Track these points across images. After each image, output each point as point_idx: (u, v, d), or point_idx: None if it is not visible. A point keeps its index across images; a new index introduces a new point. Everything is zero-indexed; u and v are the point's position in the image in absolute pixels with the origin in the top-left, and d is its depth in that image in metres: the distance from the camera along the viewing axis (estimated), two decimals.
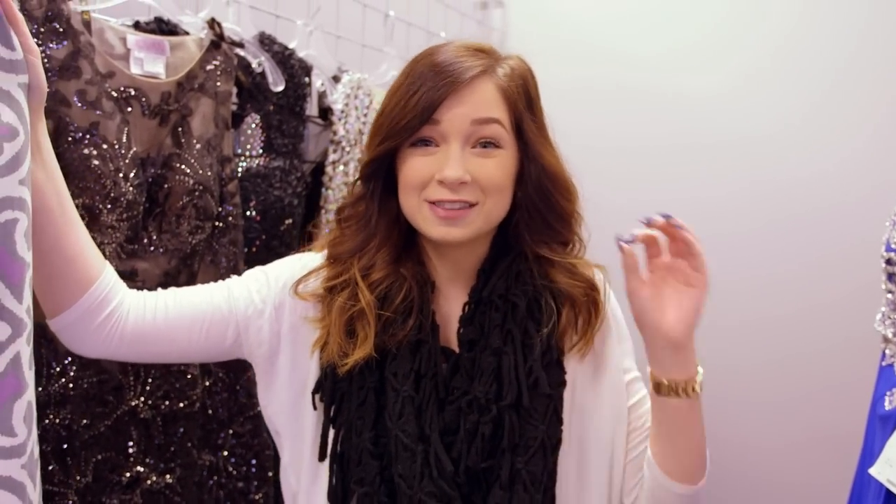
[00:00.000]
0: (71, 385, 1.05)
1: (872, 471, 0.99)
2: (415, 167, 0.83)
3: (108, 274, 0.82)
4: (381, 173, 0.87)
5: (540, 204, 0.86)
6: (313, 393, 0.87)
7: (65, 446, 1.04)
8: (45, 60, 1.02)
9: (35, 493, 0.68)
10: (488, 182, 0.83)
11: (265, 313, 0.87)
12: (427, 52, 0.86)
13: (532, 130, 0.86)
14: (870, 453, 1.09)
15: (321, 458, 0.87)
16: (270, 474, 1.29)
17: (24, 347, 0.66)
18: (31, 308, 0.68)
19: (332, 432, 0.86)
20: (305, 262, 0.91)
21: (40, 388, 1.02)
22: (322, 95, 1.52)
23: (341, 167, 1.51)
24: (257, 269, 0.92)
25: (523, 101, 0.86)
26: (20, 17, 0.68)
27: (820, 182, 1.89)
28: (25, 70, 0.67)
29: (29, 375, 0.67)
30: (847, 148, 1.87)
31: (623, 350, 0.94)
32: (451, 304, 0.91)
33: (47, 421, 1.02)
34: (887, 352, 1.11)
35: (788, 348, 1.92)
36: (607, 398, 0.90)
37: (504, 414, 0.83)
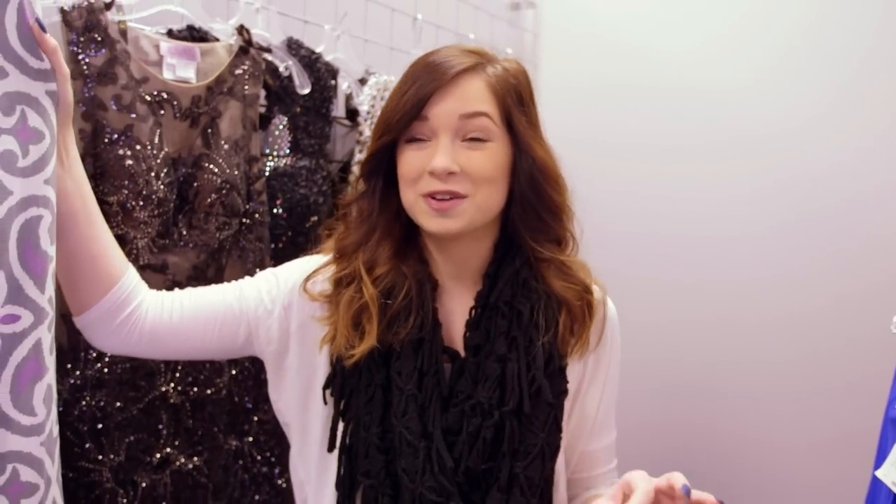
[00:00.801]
0: (106, 370, 1.13)
1: (879, 473, 0.98)
2: (408, 161, 0.87)
3: (129, 276, 0.87)
4: (381, 169, 0.91)
5: (531, 196, 0.89)
6: (324, 388, 0.91)
7: (100, 427, 1.12)
8: (85, 67, 1.10)
9: (53, 469, 0.74)
10: (477, 173, 0.85)
11: (274, 313, 0.91)
12: (425, 54, 0.90)
13: (522, 124, 0.88)
14: (883, 455, 1.08)
15: (330, 449, 0.91)
16: None
17: (46, 334, 0.72)
18: (52, 298, 0.75)
19: (341, 425, 0.90)
20: (314, 264, 0.95)
21: (77, 373, 1.10)
22: (349, 97, 1.57)
23: None
24: (268, 271, 0.97)
25: (513, 96, 0.88)
26: (51, 42, 0.73)
27: (837, 178, 1.87)
28: (54, 78, 0.74)
29: (49, 360, 0.73)
30: (865, 143, 1.84)
31: (610, 374, 1.00)
32: (455, 302, 0.93)
33: (84, 403, 1.10)
34: None
35: (806, 346, 1.90)
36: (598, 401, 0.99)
37: (506, 419, 0.85)
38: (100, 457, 1.12)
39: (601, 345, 0.97)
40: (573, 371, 0.94)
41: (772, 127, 1.95)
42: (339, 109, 1.54)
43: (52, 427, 0.75)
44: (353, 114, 1.58)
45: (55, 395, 0.76)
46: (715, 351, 2.00)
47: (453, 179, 0.85)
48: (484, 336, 0.90)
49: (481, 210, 0.87)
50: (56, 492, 0.76)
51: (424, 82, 0.86)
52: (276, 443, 1.33)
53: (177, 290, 0.93)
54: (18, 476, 0.71)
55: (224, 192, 1.21)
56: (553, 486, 0.92)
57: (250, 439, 1.31)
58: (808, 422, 1.90)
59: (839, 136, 1.87)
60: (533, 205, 0.90)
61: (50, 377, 0.73)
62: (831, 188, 1.87)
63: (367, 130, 1.56)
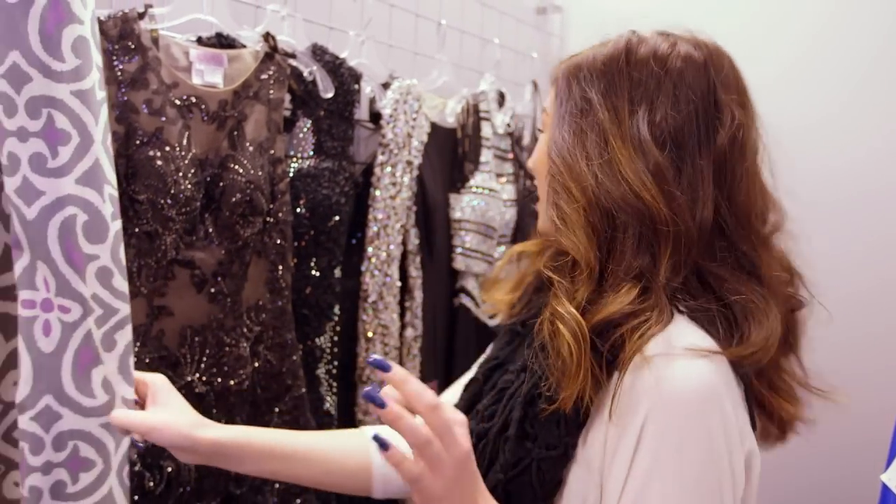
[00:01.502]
0: (134, 360, 1.19)
1: (884, 477, 0.98)
2: None
3: (372, 454, 0.87)
4: None
5: (547, 194, 0.82)
6: None
7: None
8: (119, 74, 1.16)
9: (115, 456, 0.80)
10: (531, 166, 0.87)
11: None
12: None
13: (560, 109, 0.81)
14: (891, 459, 1.07)
15: None
16: None
17: (94, 327, 0.78)
18: (97, 295, 0.80)
19: None
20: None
21: None
22: (372, 101, 1.61)
23: (389, 168, 1.61)
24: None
25: (567, 81, 0.82)
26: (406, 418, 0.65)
27: (850, 176, 1.86)
28: (80, 78, 0.78)
29: (105, 356, 0.79)
30: (879, 140, 1.83)
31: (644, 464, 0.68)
32: None
33: None
34: None
35: (818, 344, 1.88)
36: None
37: (482, 436, 0.80)
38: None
39: (620, 416, 0.69)
40: (594, 433, 0.73)
41: (786, 126, 1.94)
42: (362, 113, 1.59)
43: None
44: (376, 117, 1.63)
45: (118, 395, 0.83)
46: None
47: (535, 177, 0.88)
48: (506, 354, 0.90)
49: (542, 209, 0.83)
50: (115, 483, 0.82)
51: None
52: None
53: None
54: (78, 452, 0.78)
55: (248, 191, 1.27)
56: None
57: None
58: (819, 421, 1.88)
59: (857, 130, 1.87)
60: (549, 204, 0.79)
61: (107, 369, 0.79)
62: (844, 186, 1.87)
63: (389, 133, 1.61)
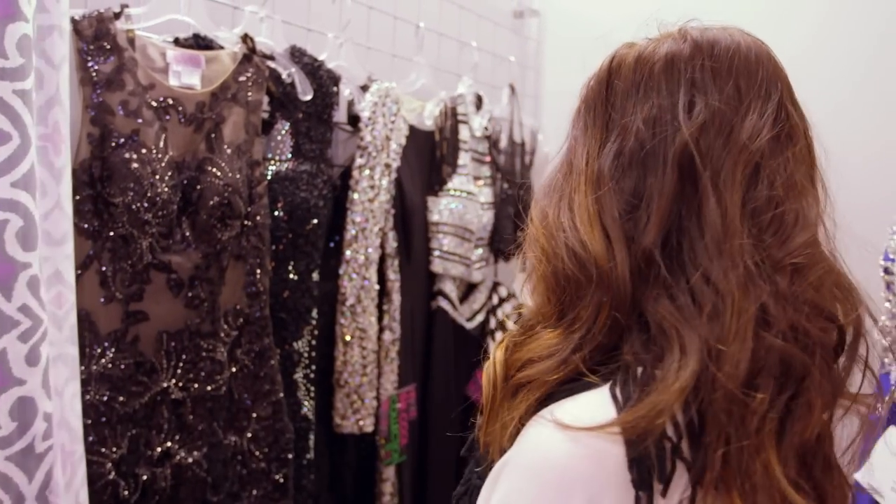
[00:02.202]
0: (110, 365, 1.17)
1: (858, 476, 1.01)
2: None
3: None
4: None
5: None
6: None
7: (103, 420, 1.16)
8: (94, 74, 1.14)
9: (30, 487, 0.72)
10: None
11: None
12: None
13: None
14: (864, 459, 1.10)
15: None
16: (290, 456, 1.39)
17: (15, 344, 0.73)
18: (28, 307, 0.76)
19: None
20: None
21: (82, 368, 1.14)
22: (351, 104, 1.61)
23: (367, 171, 1.60)
24: None
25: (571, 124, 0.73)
26: None
27: (844, 183, 1.89)
28: (24, 76, 0.75)
29: (22, 370, 0.74)
30: (872, 149, 1.87)
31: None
32: None
33: (88, 397, 1.14)
34: (885, 360, 1.12)
35: None
36: None
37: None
38: (102, 449, 1.16)
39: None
40: None
41: None
42: (340, 115, 1.58)
43: (34, 443, 0.75)
44: (354, 120, 1.62)
45: (41, 411, 0.77)
46: None
47: None
48: None
49: None
50: None
51: None
52: (274, 439, 1.37)
53: None
54: None
55: (226, 195, 1.25)
56: None
57: (249, 435, 1.35)
58: None
59: (845, 143, 1.90)
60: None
61: (27, 390, 0.74)
62: (840, 189, 1.90)
63: (367, 136, 1.60)
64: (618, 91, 0.68)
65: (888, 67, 1.86)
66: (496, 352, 0.67)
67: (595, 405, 0.58)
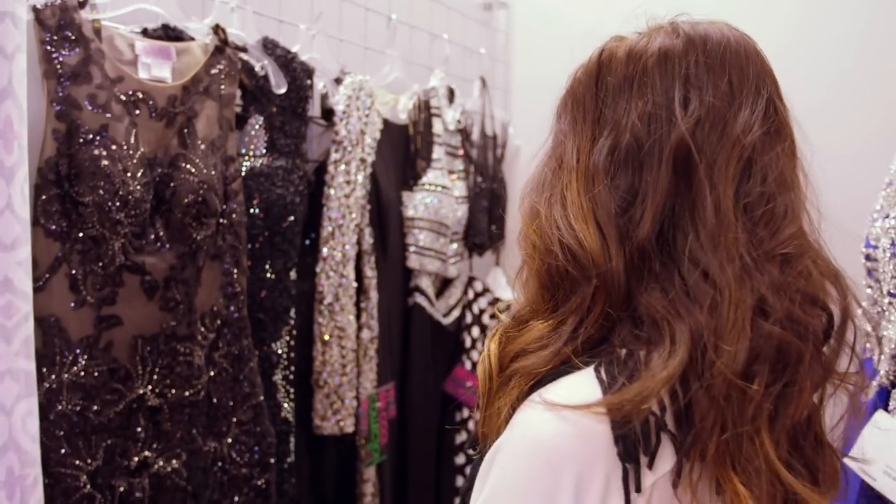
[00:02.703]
0: (82, 373, 1.11)
1: (847, 459, 1.02)
2: None
3: None
4: None
5: None
6: None
7: (77, 431, 1.10)
8: (59, 67, 1.08)
9: None
10: None
11: None
12: None
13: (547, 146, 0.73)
14: (850, 443, 1.12)
15: None
16: (272, 461, 1.35)
17: None
18: None
19: None
20: None
21: (53, 377, 1.08)
22: (324, 97, 1.57)
23: (343, 166, 1.56)
24: None
25: (555, 115, 0.73)
26: None
27: (824, 182, 1.92)
28: None
29: None
30: (855, 147, 1.90)
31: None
32: None
33: (60, 407, 1.08)
34: (867, 345, 1.14)
35: None
36: None
37: None
38: (77, 461, 1.10)
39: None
40: None
41: None
42: (314, 109, 1.54)
43: None
44: (328, 113, 1.58)
45: None
46: None
47: None
48: None
49: None
50: None
51: None
52: (256, 443, 1.33)
53: None
54: None
55: (202, 192, 1.20)
56: None
57: (229, 440, 1.31)
58: None
59: (825, 141, 1.93)
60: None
61: None
62: (822, 180, 1.93)
63: (342, 130, 1.56)
64: (609, 86, 0.67)
65: (869, 59, 1.90)
66: (490, 344, 0.68)
67: (581, 386, 0.60)
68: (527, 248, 0.68)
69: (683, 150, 0.62)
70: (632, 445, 0.57)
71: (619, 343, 0.62)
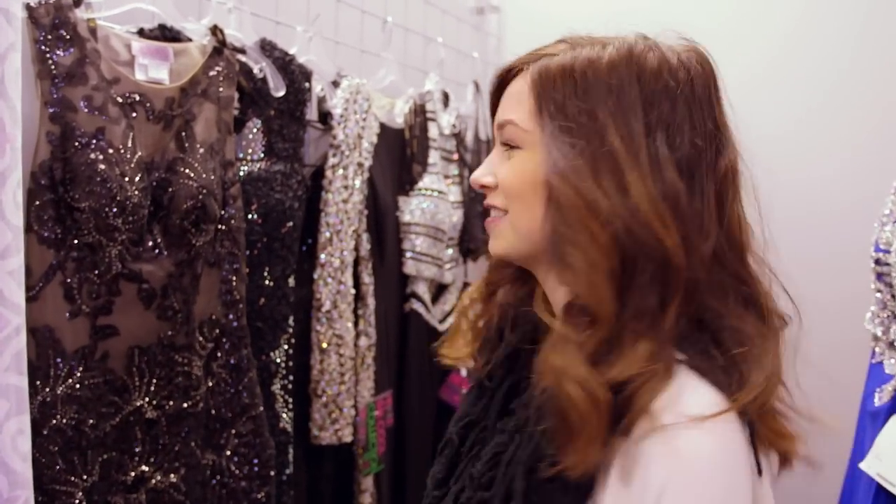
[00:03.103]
0: (77, 385, 1.07)
1: (863, 465, 1.02)
2: None
3: None
4: None
5: (550, 226, 0.69)
6: None
7: (72, 446, 1.06)
8: (53, 67, 1.04)
9: None
10: (504, 185, 0.71)
11: None
12: None
13: (552, 125, 0.67)
14: (860, 448, 1.11)
15: None
16: (272, 473, 1.31)
17: None
18: None
19: None
20: None
21: (47, 389, 1.04)
22: (322, 100, 1.54)
23: (340, 171, 1.53)
24: None
25: (555, 92, 0.68)
26: None
27: (819, 187, 1.93)
28: None
29: None
30: (844, 152, 1.91)
31: None
32: None
33: (54, 421, 1.04)
34: (877, 349, 1.14)
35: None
36: None
37: None
38: (72, 478, 1.06)
39: (631, 482, 0.61)
40: (600, 498, 0.64)
41: (749, 138, 2.00)
42: (312, 112, 1.51)
43: None
44: (325, 117, 1.55)
45: None
46: None
47: (493, 194, 0.74)
48: (477, 411, 0.78)
49: (518, 232, 0.71)
50: None
51: (491, 86, 0.76)
52: (255, 456, 1.29)
53: None
54: None
55: (201, 197, 1.17)
56: None
57: (228, 453, 1.27)
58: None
59: (819, 144, 1.93)
60: (551, 238, 0.67)
61: None
62: (810, 194, 1.93)
63: (340, 134, 1.53)
64: (657, 87, 0.67)
65: (867, 61, 1.90)
66: (574, 364, 0.63)
67: (701, 393, 0.62)
68: (588, 243, 0.64)
69: (730, 174, 0.70)
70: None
71: (708, 339, 0.65)
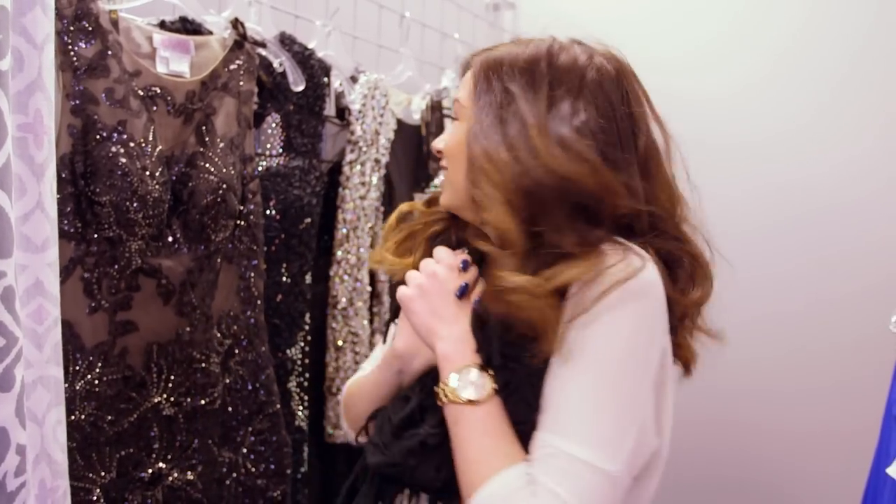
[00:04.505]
0: (96, 382, 1.06)
1: (890, 470, 1.00)
2: None
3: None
4: None
5: (465, 176, 0.88)
6: None
7: (90, 442, 1.05)
8: (75, 59, 1.03)
9: None
10: (444, 149, 0.91)
11: None
12: None
13: (479, 100, 0.85)
14: (885, 453, 1.10)
15: None
16: (289, 472, 1.30)
17: None
18: (1, 323, 0.67)
19: None
20: None
21: (66, 385, 1.03)
22: (340, 95, 1.52)
23: (358, 167, 1.52)
24: None
25: (486, 75, 0.86)
26: None
27: (826, 182, 1.92)
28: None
29: None
30: (853, 148, 1.90)
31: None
32: None
33: (73, 417, 1.03)
34: None
35: (798, 344, 1.94)
36: None
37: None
38: (90, 474, 1.05)
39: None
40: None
41: (758, 133, 1.99)
42: (329, 108, 1.50)
43: (5, 480, 0.66)
44: (343, 112, 1.54)
45: (13, 443, 0.69)
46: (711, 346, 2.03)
47: (443, 158, 0.92)
48: None
49: (454, 188, 0.89)
50: None
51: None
52: (272, 454, 1.28)
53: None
54: None
55: (221, 192, 1.15)
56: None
57: (245, 451, 1.26)
58: (801, 419, 1.94)
59: (829, 140, 1.92)
60: (470, 187, 0.84)
61: None
62: (821, 191, 1.92)
63: (358, 130, 1.52)
64: (563, 77, 0.84)
65: (872, 63, 1.89)
66: (517, 279, 0.78)
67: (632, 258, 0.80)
68: (490, 187, 0.80)
69: (650, 151, 0.88)
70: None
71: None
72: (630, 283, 0.76)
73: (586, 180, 0.79)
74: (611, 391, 0.75)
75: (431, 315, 0.85)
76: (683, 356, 0.89)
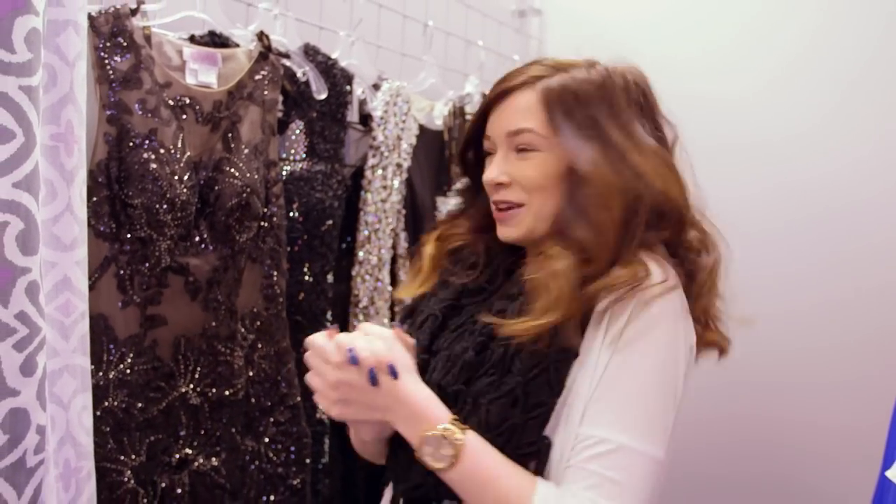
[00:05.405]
0: (128, 371, 1.14)
1: (889, 473, 1.01)
2: (484, 173, 0.95)
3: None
4: (472, 175, 1.03)
5: (571, 204, 0.89)
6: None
7: (122, 427, 1.13)
8: (111, 72, 1.11)
9: (19, 502, 0.69)
10: (526, 182, 0.89)
11: None
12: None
13: (570, 130, 0.87)
14: (891, 456, 1.10)
15: None
16: (308, 461, 1.36)
17: (10, 353, 0.68)
18: (25, 314, 0.71)
19: None
20: None
21: (100, 374, 1.11)
22: (363, 102, 1.59)
23: (380, 171, 1.58)
24: None
25: (564, 104, 0.88)
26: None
27: (839, 182, 1.92)
28: (31, 72, 0.70)
29: (16, 381, 0.70)
30: (866, 148, 1.89)
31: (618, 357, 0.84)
32: None
33: (106, 403, 1.11)
34: None
35: (807, 343, 1.94)
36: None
37: (491, 346, 0.86)
38: (121, 457, 1.13)
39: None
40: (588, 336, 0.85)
41: (775, 134, 1.99)
42: (352, 114, 1.56)
43: (25, 457, 0.71)
44: (366, 119, 1.60)
45: (31, 422, 0.72)
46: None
47: (506, 190, 0.91)
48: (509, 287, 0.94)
49: (539, 218, 0.90)
50: None
51: (485, 101, 0.94)
52: (292, 444, 1.35)
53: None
54: None
55: (245, 195, 1.23)
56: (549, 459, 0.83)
57: (266, 440, 1.33)
58: (809, 419, 1.93)
59: (843, 141, 1.92)
60: (572, 215, 0.87)
61: (21, 401, 0.69)
62: (836, 191, 1.92)
63: (380, 135, 1.58)
64: (623, 97, 0.92)
65: (884, 70, 1.88)
66: (568, 274, 0.84)
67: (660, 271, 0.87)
68: (603, 210, 0.85)
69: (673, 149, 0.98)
70: None
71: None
72: (667, 296, 0.84)
73: (676, 191, 0.89)
74: (654, 388, 0.83)
75: (370, 412, 0.83)
76: (715, 342, 0.95)
